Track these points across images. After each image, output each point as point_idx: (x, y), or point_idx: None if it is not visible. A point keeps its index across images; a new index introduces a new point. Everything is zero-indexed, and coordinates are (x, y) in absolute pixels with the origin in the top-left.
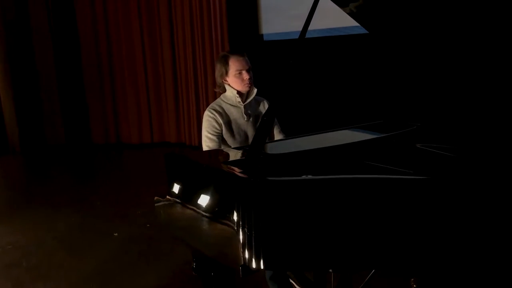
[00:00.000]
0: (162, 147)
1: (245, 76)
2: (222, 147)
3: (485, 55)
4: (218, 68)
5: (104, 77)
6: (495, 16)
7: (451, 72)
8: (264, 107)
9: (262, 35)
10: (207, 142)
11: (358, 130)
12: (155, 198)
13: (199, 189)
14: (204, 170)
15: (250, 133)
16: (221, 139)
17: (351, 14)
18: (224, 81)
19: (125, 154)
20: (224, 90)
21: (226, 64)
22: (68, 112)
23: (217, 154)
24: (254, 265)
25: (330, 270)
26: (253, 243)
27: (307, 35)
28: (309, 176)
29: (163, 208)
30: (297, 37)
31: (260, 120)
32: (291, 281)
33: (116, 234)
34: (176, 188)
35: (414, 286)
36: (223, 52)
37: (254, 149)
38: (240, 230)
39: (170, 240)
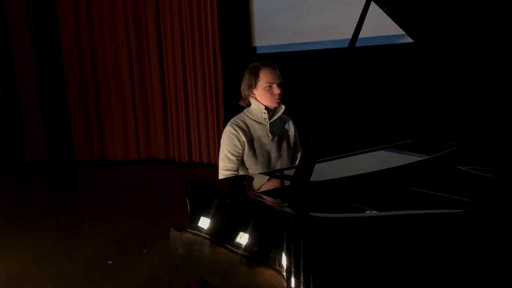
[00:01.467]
0: (149, 163)
1: (276, 90)
2: (247, 172)
3: None
4: (247, 79)
5: (88, 90)
6: None
7: (494, 87)
8: (289, 126)
9: (255, 47)
10: (226, 162)
11: (394, 151)
12: (171, 230)
13: (234, 225)
14: (241, 203)
15: (274, 154)
16: (241, 160)
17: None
18: (251, 94)
19: (110, 171)
20: (249, 104)
21: (256, 75)
22: (50, 127)
23: (249, 182)
24: None
25: None
26: None
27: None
28: (374, 212)
29: (182, 243)
30: (291, 50)
31: (306, 144)
32: None
33: (110, 262)
34: (201, 221)
35: None
36: (253, 63)
37: (300, 178)
38: (293, 276)
39: (183, 276)
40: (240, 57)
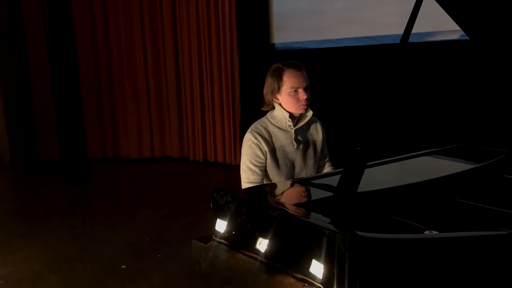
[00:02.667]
0: (163, 161)
1: (302, 95)
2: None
3: None
4: (269, 82)
5: (103, 88)
6: None
7: None
8: (317, 131)
9: (273, 44)
10: (248, 174)
11: (438, 157)
12: (193, 241)
13: (266, 239)
14: (278, 217)
15: (298, 163)
16: (264, 170)
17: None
18: (274, 100)
19: (124, 169)
20: (273, 108)
21: (279, 79)
22: (63, 125)
23: (282, 192)
24: None
25: None
26: None
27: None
28: (434, 232)
29: (206, 255)
30: (313, 47)
31: (352, 152)
32: None
33: (124, 267)
34: (229, 233)
35: None
36: (276, 64)
37: (346, 189)
38: None
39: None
40: (258, 54)
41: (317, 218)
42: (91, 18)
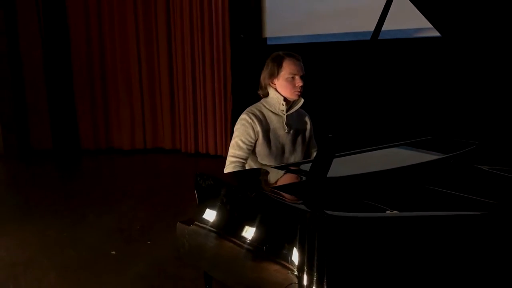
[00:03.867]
0: (155, 153)
1: (298, 82)
2: (257, 162)
3: None
4: (270, 67)
5: (95, 78)
6: None
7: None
8: (305, 121)
9: (265, 38)
10: (235, 150)
11: (410, 149)
12: (178, 223)
13: (244, 220)
14: (254, 198)
15: (288, 148)
16: (252, 150)
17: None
18: (271, 84)
19: (116, 160)
20: (267, 95)
21: (279, 65)
22: (56, 115)
23: (261, 176)
24: None
25: None
26: None
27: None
28: (395, 212)
29: (189, 236)
30: (301, 42)
31: (323, 138)
32: None
33: (113, 253)
34: (209, 215)
35: None
36: (276, 53)
37: (316, 174)
38: (305, 274)
39: (188, 270)
40: (249, 48)
41: (290, 200)
42: (85, 10)
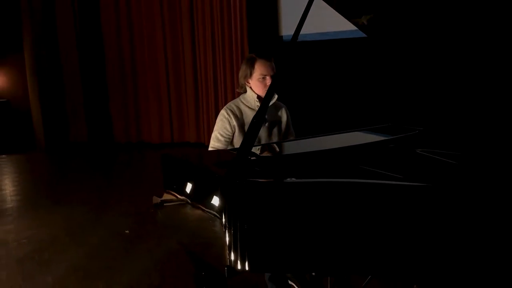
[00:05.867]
0: (182, 147)
1: (268, 82)
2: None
3: (488, 56)
4: (243, 69)
5: (127, 77)
6: (496, 16)
7: (453, 75)
8: (282, 114)
9: (282, 36)
10: (214, 142)
11: (363, 133)
12: (153, 197)
13: (194, 185)
14: (195, 170)
15: (264, 139)
16: (230, 141)
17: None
18: (246, 83)
19: (145, 153)
20: (245, 91)
21: (251, 66)
22: (91, 111)
23: (211, 155)
24: (239, 266)
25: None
26: (239, 245)
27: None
28: (293, 179)
29: (161, 205)
30: (317, 39)
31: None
32: (290, 282)
33: (127, 232)
34: (171, 185)
35: None
36: (251, 54)
37: (243, 151)
38: (226, 231)
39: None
40: (267, 45)
41: (219, 171)
42: (116, 12)
